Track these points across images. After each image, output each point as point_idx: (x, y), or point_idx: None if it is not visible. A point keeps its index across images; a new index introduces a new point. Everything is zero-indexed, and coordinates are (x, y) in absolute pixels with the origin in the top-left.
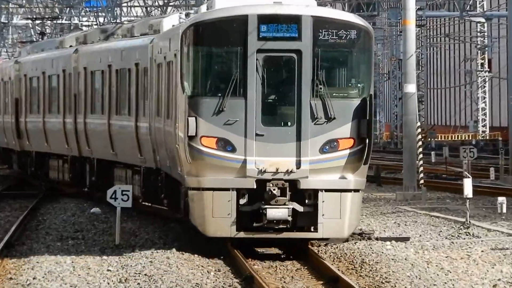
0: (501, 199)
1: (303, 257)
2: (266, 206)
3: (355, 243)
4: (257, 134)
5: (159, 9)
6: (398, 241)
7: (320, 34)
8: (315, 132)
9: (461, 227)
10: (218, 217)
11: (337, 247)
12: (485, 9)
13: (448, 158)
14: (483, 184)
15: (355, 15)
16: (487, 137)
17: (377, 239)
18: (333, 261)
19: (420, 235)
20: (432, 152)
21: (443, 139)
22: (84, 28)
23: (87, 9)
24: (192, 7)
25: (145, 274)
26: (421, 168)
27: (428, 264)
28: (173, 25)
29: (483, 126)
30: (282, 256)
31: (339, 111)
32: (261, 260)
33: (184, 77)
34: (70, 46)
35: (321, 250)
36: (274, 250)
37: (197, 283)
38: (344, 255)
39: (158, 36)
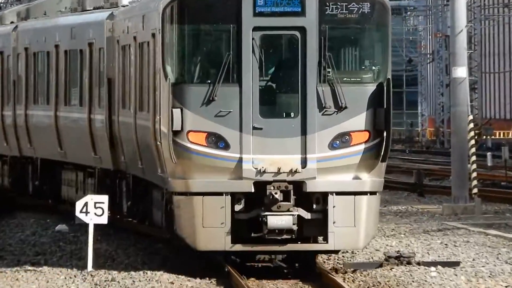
0: None
1: (310, 275)
2: (267, 213)
3: (391, 269)
4: (254, 128)
5: None
6: (446, 266)
7: (328, 8)
8: (323, 124)
9: None
10: (209, 227)
11: (368, 274)
12: None
13: (508, 161)
14: None
15: None
16: None
17: (419, 264)
18: None
19: (473, 259)
20: (488, 154)
21: (501, 136)
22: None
23: None
24: None
25: None
26: (474, 174)
27: None
28: None
29: None
30: (285, 271)
31: (351, 99)
32: (260, 278)
33: (166, 61)
34: (12, 22)
35: (348, 278)
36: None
37: None
38: (378, 284)
39: (122, 11)
